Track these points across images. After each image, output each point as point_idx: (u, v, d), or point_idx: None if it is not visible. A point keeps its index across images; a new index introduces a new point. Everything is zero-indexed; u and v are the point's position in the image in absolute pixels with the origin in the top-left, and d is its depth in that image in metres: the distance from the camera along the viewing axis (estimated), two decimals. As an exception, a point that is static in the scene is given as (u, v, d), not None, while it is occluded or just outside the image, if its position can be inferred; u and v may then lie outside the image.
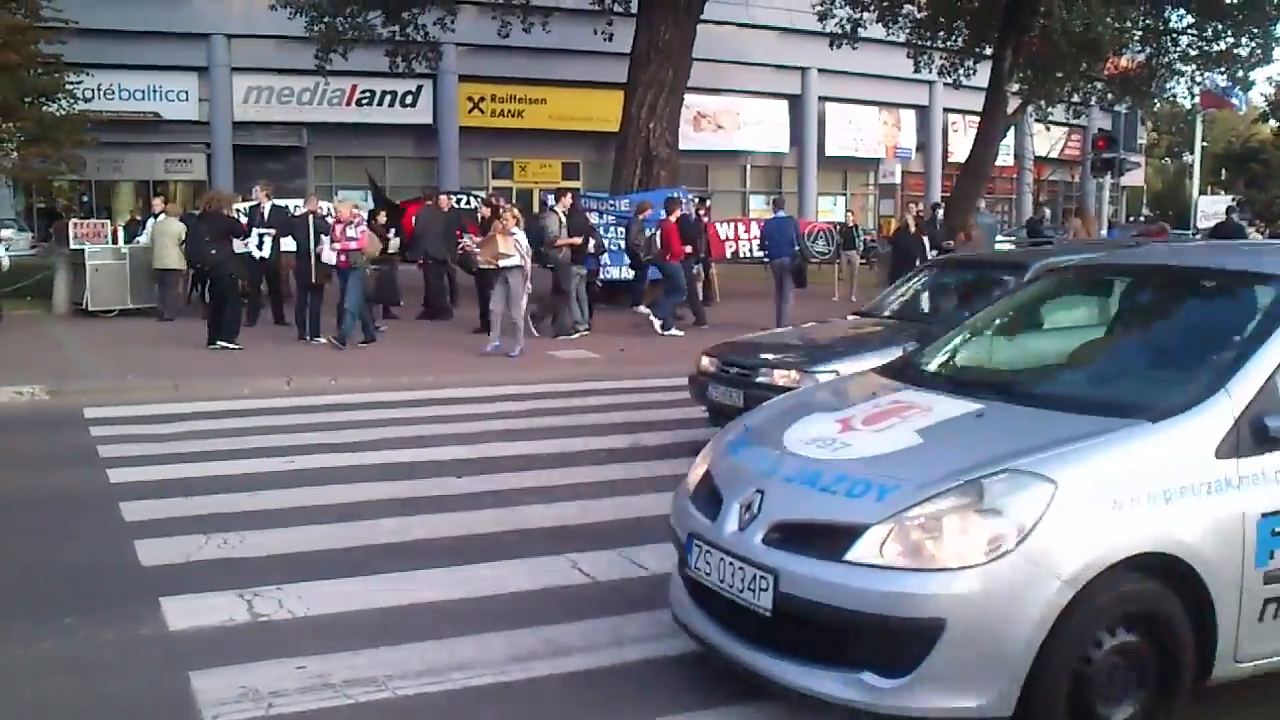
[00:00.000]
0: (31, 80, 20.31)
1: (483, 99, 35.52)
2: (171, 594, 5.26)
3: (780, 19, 36.03)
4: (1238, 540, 3.68)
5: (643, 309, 16.50)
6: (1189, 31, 26.19)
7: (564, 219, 15.65)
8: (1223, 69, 25.96)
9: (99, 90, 28.65)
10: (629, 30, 20.98)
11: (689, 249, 16.64)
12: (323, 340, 14.17)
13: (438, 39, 24.39)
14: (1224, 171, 61.91)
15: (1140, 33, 25.59)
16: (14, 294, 17.67)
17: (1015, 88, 26.13)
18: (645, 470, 7.91)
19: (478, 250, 14.40)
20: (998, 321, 5.55)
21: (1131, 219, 38.09)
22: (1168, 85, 28.81)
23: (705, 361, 8.71)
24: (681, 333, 15.73)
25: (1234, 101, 40.64)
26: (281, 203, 16.93)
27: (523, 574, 5.59)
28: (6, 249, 18.61)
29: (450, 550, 5.99)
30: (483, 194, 25.32)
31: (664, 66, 19.88)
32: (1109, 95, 29.13)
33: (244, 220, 15.59)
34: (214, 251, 14.13)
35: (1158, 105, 32.87)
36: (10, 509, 6.91)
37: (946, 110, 42.93)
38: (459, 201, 19.98)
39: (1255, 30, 24.49)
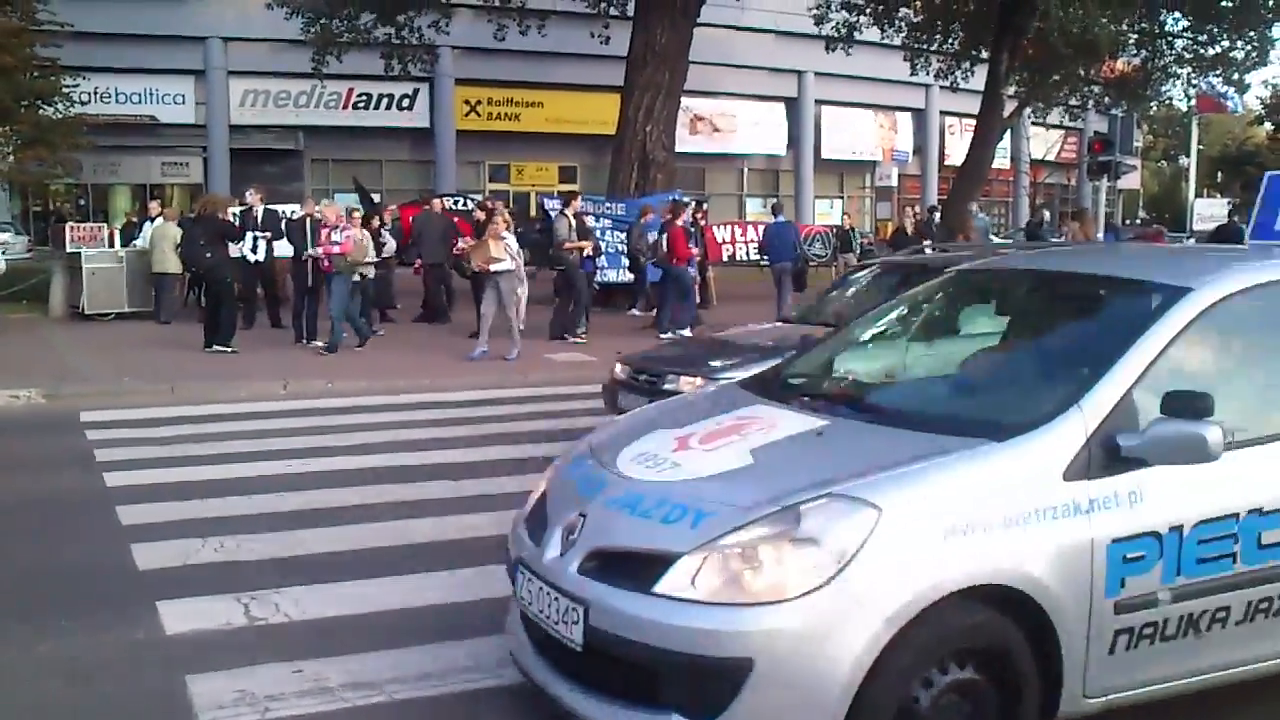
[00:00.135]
0: (27, 83, 20.27)
1: (479, 102, 35.55)
2: (168, 597, 5.25)
3: (776, 22, 36.09)
4: (1085, 568, 3.44)
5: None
6: (1185, 35, 26.24)
7: (573, 222, 15.71)
8: (1218, 72, 25.98)
9: (95, 94, 28.65)
10: (625, 33, 21.00)
11: (695, 251, 16.65)
12: (319, 343, 14.15)
13: (433, 42, 24.41)
14: (1220, 174, 62.03)
15: (1136, 36, 25.62)
16: (11, 297, 17.66)
17: (1011, 90, 26.16)
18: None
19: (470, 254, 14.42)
20: (871, 331, 5.26)
21: (1128, 222, 38.18)
22: (1163, 88, 28.87)
23: (618, 369, 8.48)
24: (688, 332, 15.74)
25: (1228, 104, 40.75)
26: (273, 207, 16.95)
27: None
28: (3, 252, 18.59)
29: (449, 553, 5.99)
30: (478, 197, 25.34)
31: (660, 69, 19.89)
32: (1105, 98, 29.17)
33: (236, 224, 15.59)
34: (209, 255, 14.13)
35: (1154, 108, 32.95)
36: (7, 512, 6.90)
37: (943, 113, 43.01)
38: (457, 204, 19.98)
39: (1251, 33, 24.53)
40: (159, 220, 17.55)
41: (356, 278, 14.74)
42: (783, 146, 41.07)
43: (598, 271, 17.62)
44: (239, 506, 6.93)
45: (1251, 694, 4.07)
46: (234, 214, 16.15)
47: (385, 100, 34.46)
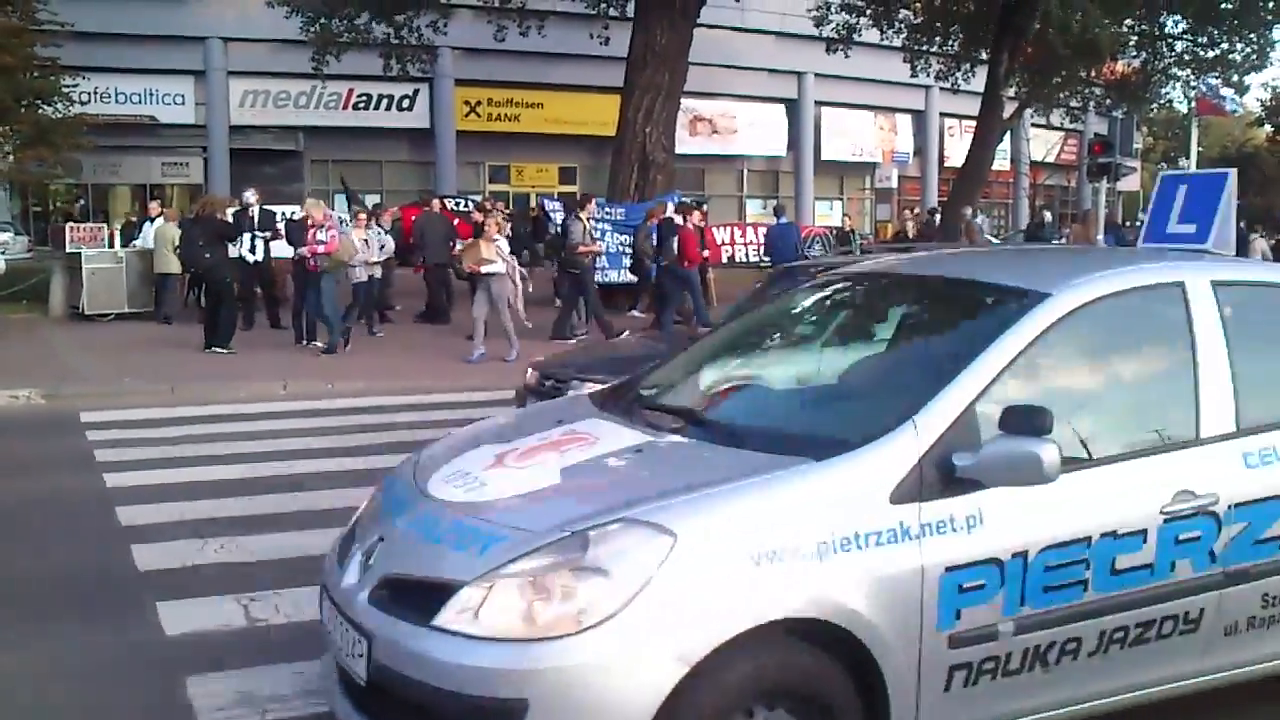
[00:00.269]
0: (28, 83, 20.27)
1: (479, 103, 35.55)
2: (168, 599, 5.25)
3: (776, 23, 36.10)
4: (914, 599, 3.15)
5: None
6: (1184, 37, 26.26)
7: (587, 225, 15.74)
8: (1217, 73, 26.01)
9: (95, 94, 28.62)
10: (625, 34, 20.99)
11: (707, 254, 16.68)
12: (319, 344, 14.16)
13: (432, 42, 24.41)
14: (1219, 176, 61.90)
15: (1136, 38, 25.66)
16: (10, 297, 17.65)
17: (1011, 92, 26.18)
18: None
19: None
20: (736, 340, 4.90)
21: (1128, 224, 38.19)
22: (1163, 90, 28.90)
23: (529, 374, 8.21)
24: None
25: (1226, 107, 40.74)
26: (270, 207, 16.96)
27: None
28: (3, 252, 18.58)
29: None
30: (478, 198, 25.38)
31: (660, 71, 19.89)
32: (1106, 100, 29.21)
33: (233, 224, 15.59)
34: (208, 255, 14.14)
35: (1154, 110, 32.97)
36: (7, 513, 6.90)
37: (943, 115, 43.02)
38: (458, 205, 20.02)
39: (1251, 35, 24.56)
40: (159, 220, 17.55)
41: (365, 278, 14.76)
42: (783, 148, 41.08)
43: (599, 272, 17.66)
44: (239, 507, 6.93)
45: (1259, 693, 4.05)
46: (230, 214, 16.17)
47: (385, 101, 34.46)
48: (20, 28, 19.88)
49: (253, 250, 15.90)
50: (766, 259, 18.67)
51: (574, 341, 15.16)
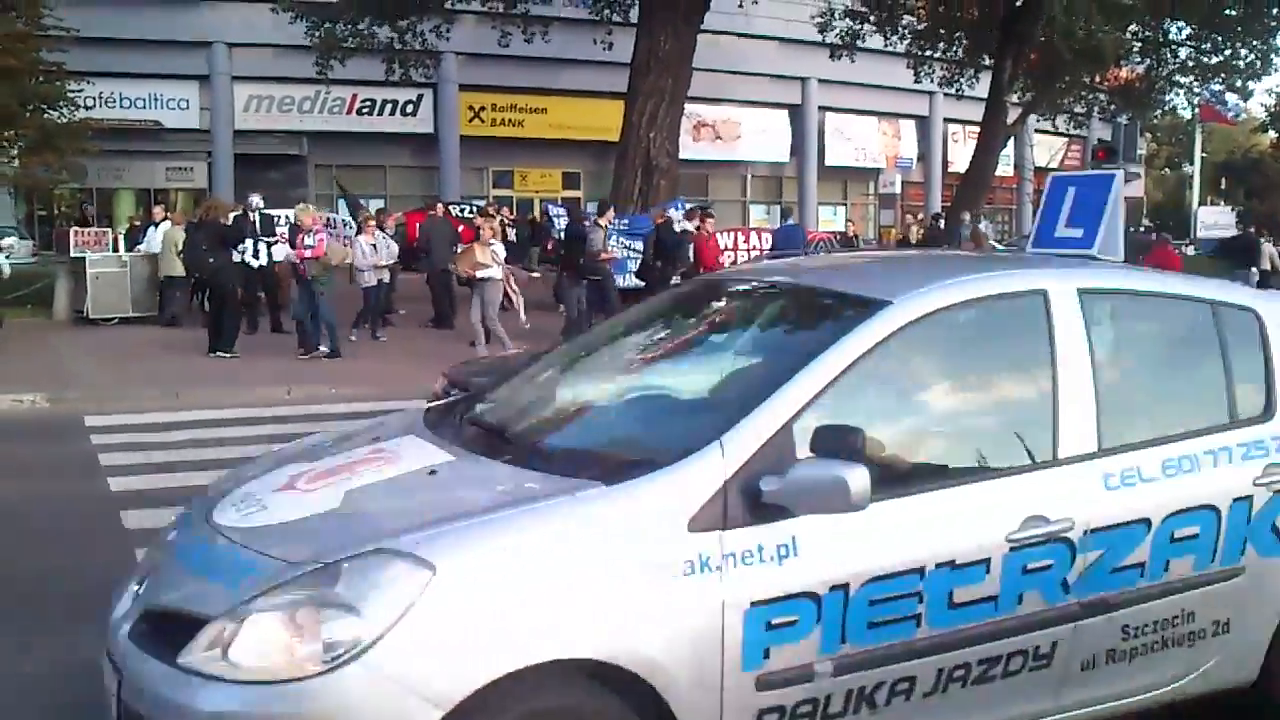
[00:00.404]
0: (33, 88, 20.30)
1: (483, 108, 35.61)
2: (172, 603, 5.24)
3: (780, 29, 36.14)
4: (714, 638, 2.85)
5: None
6: (1188, 43, 26.27)
7: (607, 231, 15.79)
8: (1221, 79, 26.03)
9: (100, 98, 28.68)
10: (629, 39, 21.02)
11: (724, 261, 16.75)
12: (322, 348, 14.17)
13: (436, 47, 24.46)
14: (1224, 182, 62.03)
15: (1140, 44, 25.67)
16: (15, 301, 17.67)
17: (1015, 98, 26.19)
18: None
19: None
20: (581, 351, 4.59)
21: (1132, 229, 38.19)
22: (1167, 97, 28.91)
23: (438, 383, 7.87)
24: None
25: (1228, 114, 40.76)
26: (269, 211, 16.99)
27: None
28: (7, 257, 18.61)
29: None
30: (481, 203, 25.41)
31: (664, 76, 19.92)
32: (1111, 106, 29.24)
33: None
34: (211, 260, 14.17)
35: (1159, 116, 32.99)
36: (11, 517, 6.90)
37: (946, 120, 43.05)
38: (463, 211, 20.08)
39: (1255, 42, 24.56)
40: (164, 224, 17.58)
41: (374, 282, 14.79)
42: (786, 153, 41.10)
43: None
44: (243, 512, 6.91)
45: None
46: (231, 218, 16.20)
47: (389, 106, 34.52)
48: (26, 33, 19.91)
49: (256, 255, 15.92)
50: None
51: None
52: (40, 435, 9.73)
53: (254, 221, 16.09)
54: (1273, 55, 25.23)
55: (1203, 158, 52.69)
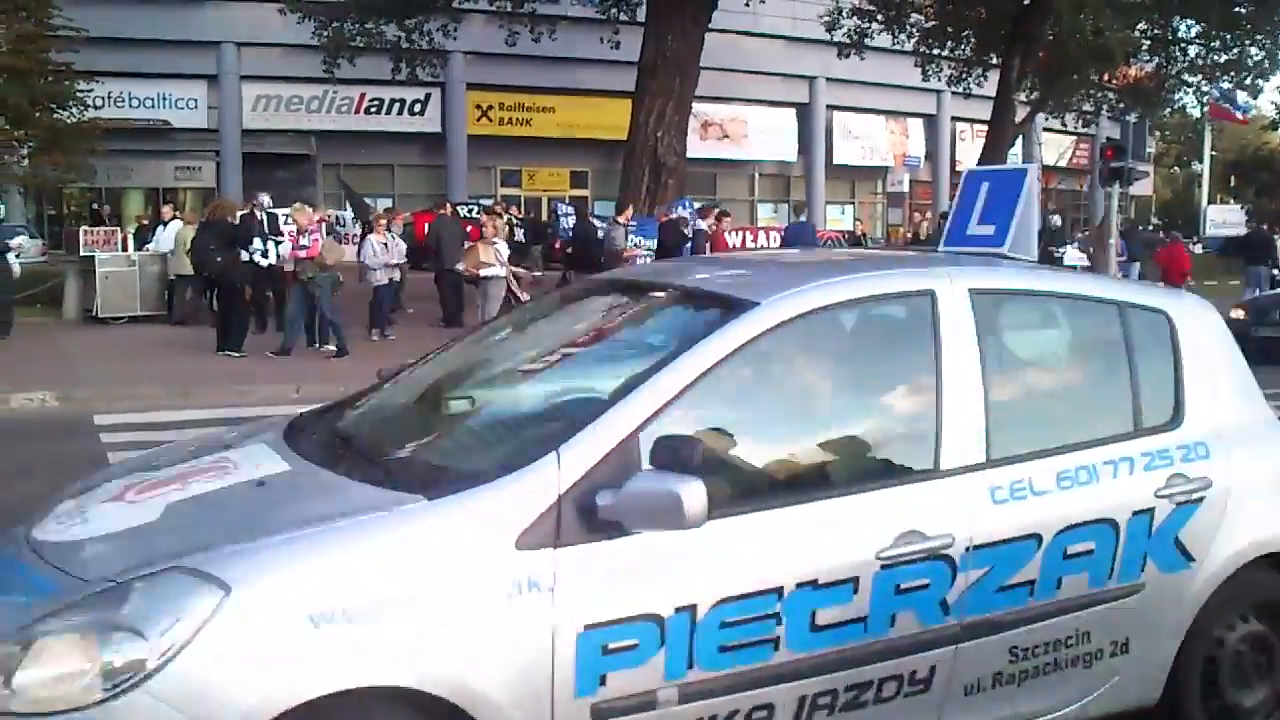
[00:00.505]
0: (42, 88, 20.38)
1: (491, 107, 35.63)
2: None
3: (788, 28, 36.11)
4: (544, 663, 2.67)
5: None
6: (1198, 40, 26.21)
7: (628, 230, 15.81)
8: (1230, 77, 25.96)
9: (109, 98, 28.76)
10: (636, 38, 21.02)
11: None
12: (329, 347, 14.21)
13: (443, 46, 24.49)
14: (1233, 180, 61.86)
15: (1149, 42, 25.61)
16: (25, 301, 17.73)
17: (1023, 96, 26.15)
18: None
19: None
20: (456, 355, 4.34)
21: (1141, 228, 38.09)
22: (1176, 96, 28.84)
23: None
24: None
25: (1237, 114, 40.64)
26: (275, 210, 17.01)
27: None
28: (17, 256, 18.68)
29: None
30: (488, 202, 25.46)
31: (672, 75, 19.91)
32: (1120, 104, 29.19)
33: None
34: (219, 259, 14.21)
35: (1168, 114, 32.91)
36: (21, 516, 6.91)
37: (954, 119, 43.00)
38: (471, 211, 20.13)
39: (1264, 40, 24.49)
40: (174, 223, 17.64)
41: (386, 280, 14.83)
42: (794, 152, 41.07)
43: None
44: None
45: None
46: (238, 217, 16.24)
47: (397, 105, 34.56)
48: (35, 33, 19.99)
49: (264, 254, 15.94)
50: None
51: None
52: (49, 433, 9.76)
53: (261, 220, 16.12)
54: (1281, 52, 25.18)
55: (1212, 156, 52.58)
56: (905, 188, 38.52)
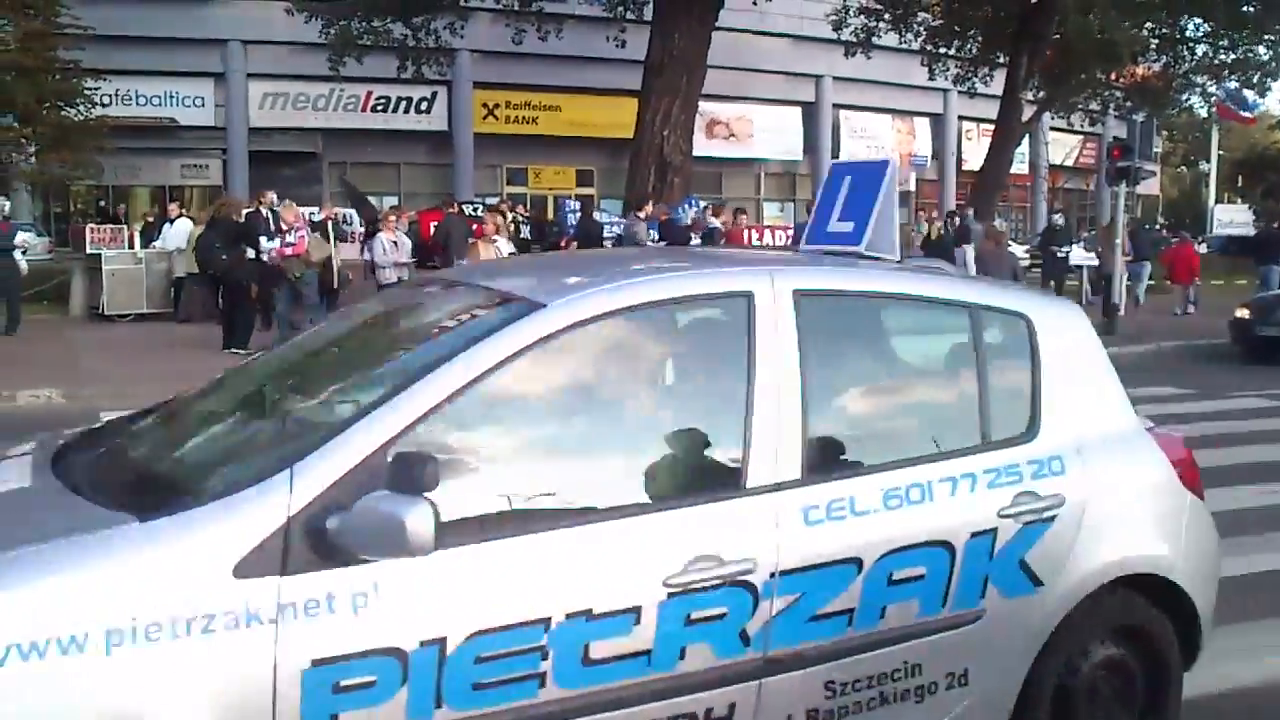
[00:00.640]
0: (50, 85, 20.44)
1: (497, 105, 35.65)
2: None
3: (794, 27, 36.09)
4: (265, 704, 2.40)
5: None
6: (1205, 39, 26.18)
7: (648, 226, 15.87)
8: (1238, 76, 25.92)
9: (116, 96, 28.81)
10: (643, 37, 21.04)
11: None
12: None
13: (450, 44, 24.53)
14: (1240, 179, 61.70)
15: (1157, 41, 25.58)
16: (32, 298, 17.78)
17: (1030, 95, 26.13)
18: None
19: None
20: (253, 364, 4.01)
21: (1146, 226, 37.94)
22: (1184, 96, 28.82)
23: None
24: None
25: (1244, 114, 40.54)
26: (278, 208, 17.03)
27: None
28: (24, 253, 18.72)
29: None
30: (493, 200, 25.47)
31: (678, 74, 19.92)
32: (1127, 103, 29.19)
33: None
34: (224, 257, 14.23)
35: (1175, 113, 32.86)
36: None
37: (961, 118, 42.95)
38: (476, 210, 20.14)
39: (1272, 39, 24.46)
40: (180, 221, 17.67)
41: (395, 279, 14.84)
42: (800, 151, 41.05)
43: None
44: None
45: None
46: (244, 215, 16.26)
47: (403, 103, 34.59)
48: (43, 31, 20.06)
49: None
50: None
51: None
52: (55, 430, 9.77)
53: (267, 218, 16.12)
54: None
55: (1220, 155, 52.47)
56: (911, 187, 38.52)
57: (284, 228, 14.12)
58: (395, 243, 15.25)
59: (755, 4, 25.57)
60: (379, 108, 34.45)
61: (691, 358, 3.32)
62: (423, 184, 34.51)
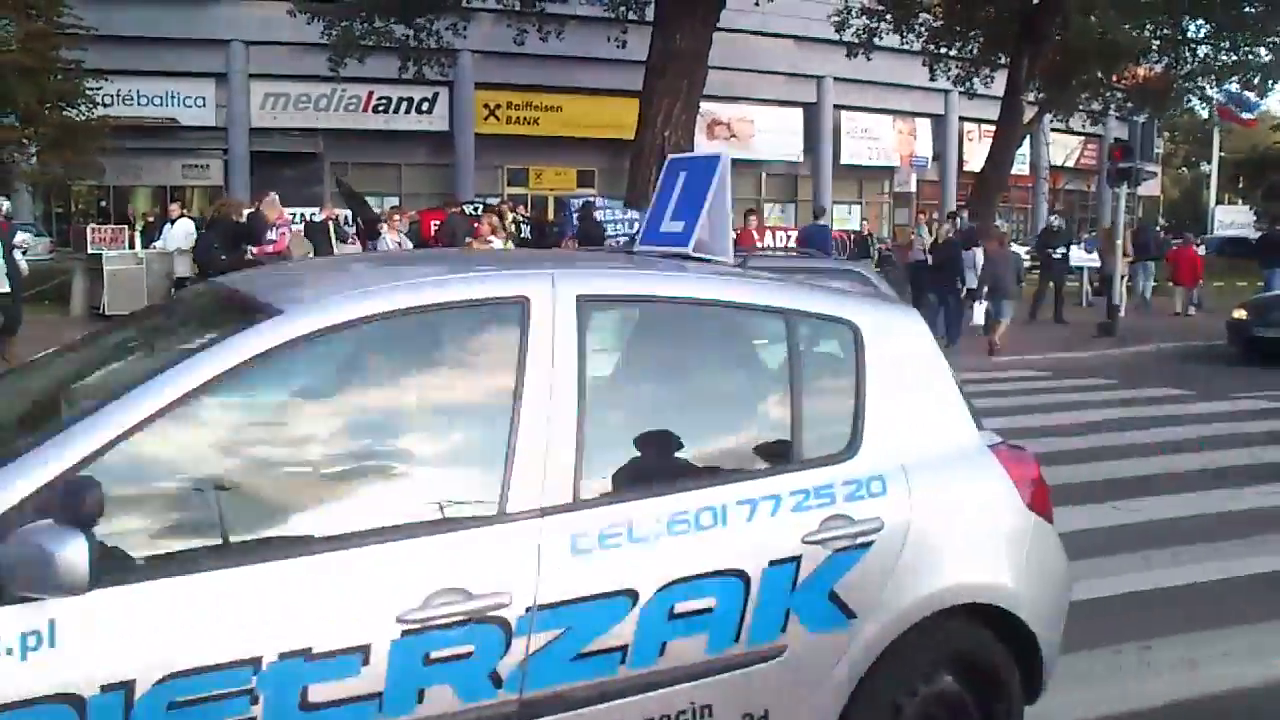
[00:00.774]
0: (52, 86, 20.45)
1: (498, 106, 35.66)
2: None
3: (796, 27, 36.07)
4: None
5: None
6: (1207, 41, 26.18)
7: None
8: (1239, 77, 25.93)
9: (118, 96, 28.84)
10: (644, 37, 21.05)
11: None
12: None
13: (451, 45, 24.54)
14: (1241, 180, 61.66)
15: (1159, 42, 25.59)
16: (32, 298, 17.77)
17: (1031, 97, 26.13)
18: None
19: None
20: (58, 364, 3.52)
21: (1155, 227, 38.03)
22: (1185, 98, 28.82)
23: None
24: None
25: (1244, 116, 40.53)
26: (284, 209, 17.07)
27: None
28: (25, 254, 18.73)
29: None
30: (493, 201, 25.47)
31: (680, 74, 19.92)
32: (1128, 104, 29.20)
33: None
34: (223, 258, 14.23)
35: (1177, 114, 32.88)
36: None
37: (962, 119, 42.93)
38: (478, 210, 20.16)
39: (1273, 41, 24.46)
40: (181, 221, 17.69)
41: None
42: (801, 152, 41.04)
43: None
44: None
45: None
46: (245, 215, 16.26)
47: (405, 104, 34.60)
48: (45, 31, 20.07)
49: (273, 252, 16.00)
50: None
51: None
52: (57, 431, 9.76)
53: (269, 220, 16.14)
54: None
55: (1221, 156, 52.46)
56: (913, 188, 38.47)
57: (267, 225, 14.14)
58: (399, 242, 15.27)
59: (757, 5, 25.56)
60: (380, 108, 34.46)
61: (453, 370, 3.03)
62: (424, 184, 34.51)
